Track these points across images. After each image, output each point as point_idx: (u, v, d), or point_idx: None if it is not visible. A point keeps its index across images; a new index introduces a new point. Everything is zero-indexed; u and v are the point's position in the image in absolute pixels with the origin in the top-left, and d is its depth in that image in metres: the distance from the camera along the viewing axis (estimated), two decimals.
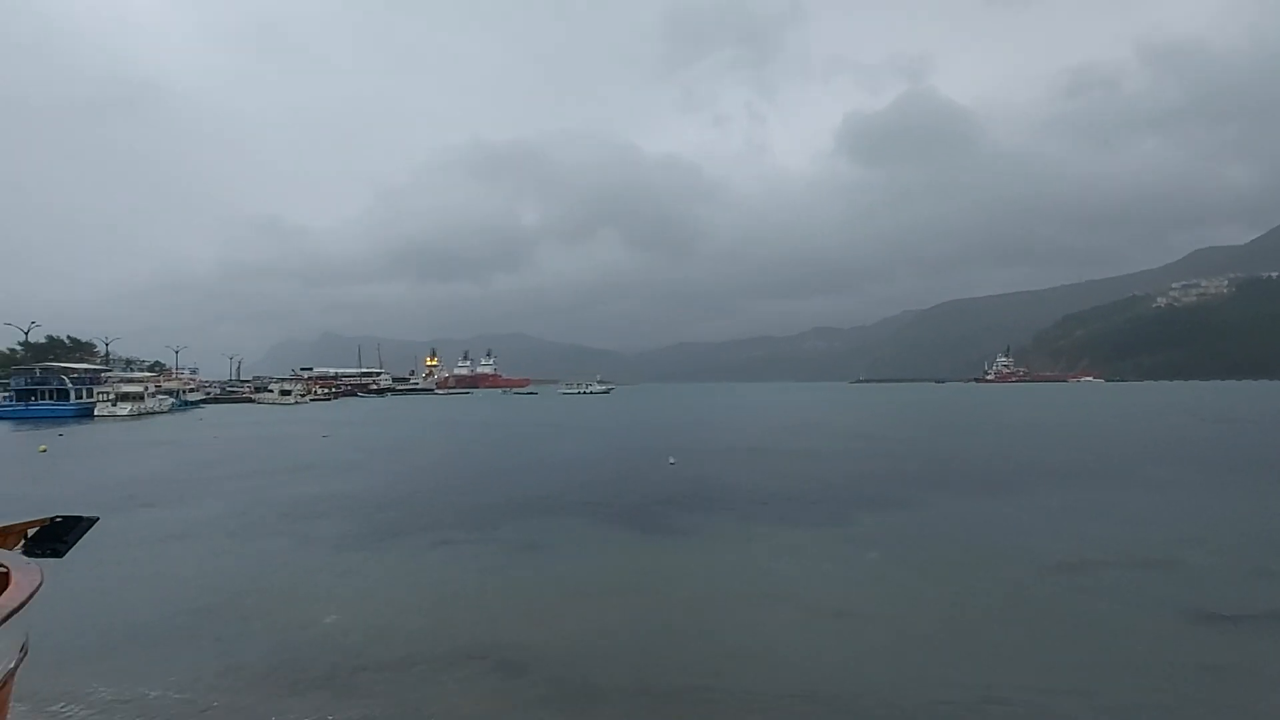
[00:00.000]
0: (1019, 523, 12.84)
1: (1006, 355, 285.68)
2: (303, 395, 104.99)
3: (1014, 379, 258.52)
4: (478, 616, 7.91)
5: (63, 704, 5.57)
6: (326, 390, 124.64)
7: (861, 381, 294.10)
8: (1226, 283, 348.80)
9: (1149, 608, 8.05)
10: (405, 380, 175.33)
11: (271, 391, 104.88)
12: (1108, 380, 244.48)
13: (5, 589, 2.84)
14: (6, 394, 66.75)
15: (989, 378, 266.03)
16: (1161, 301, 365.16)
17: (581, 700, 5.79)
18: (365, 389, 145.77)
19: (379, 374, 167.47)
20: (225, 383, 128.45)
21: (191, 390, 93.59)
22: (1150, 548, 10.89)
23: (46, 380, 65.11)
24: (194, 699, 5.83)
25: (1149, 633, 7.30)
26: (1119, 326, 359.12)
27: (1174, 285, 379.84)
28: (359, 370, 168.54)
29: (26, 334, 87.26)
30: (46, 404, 61.99)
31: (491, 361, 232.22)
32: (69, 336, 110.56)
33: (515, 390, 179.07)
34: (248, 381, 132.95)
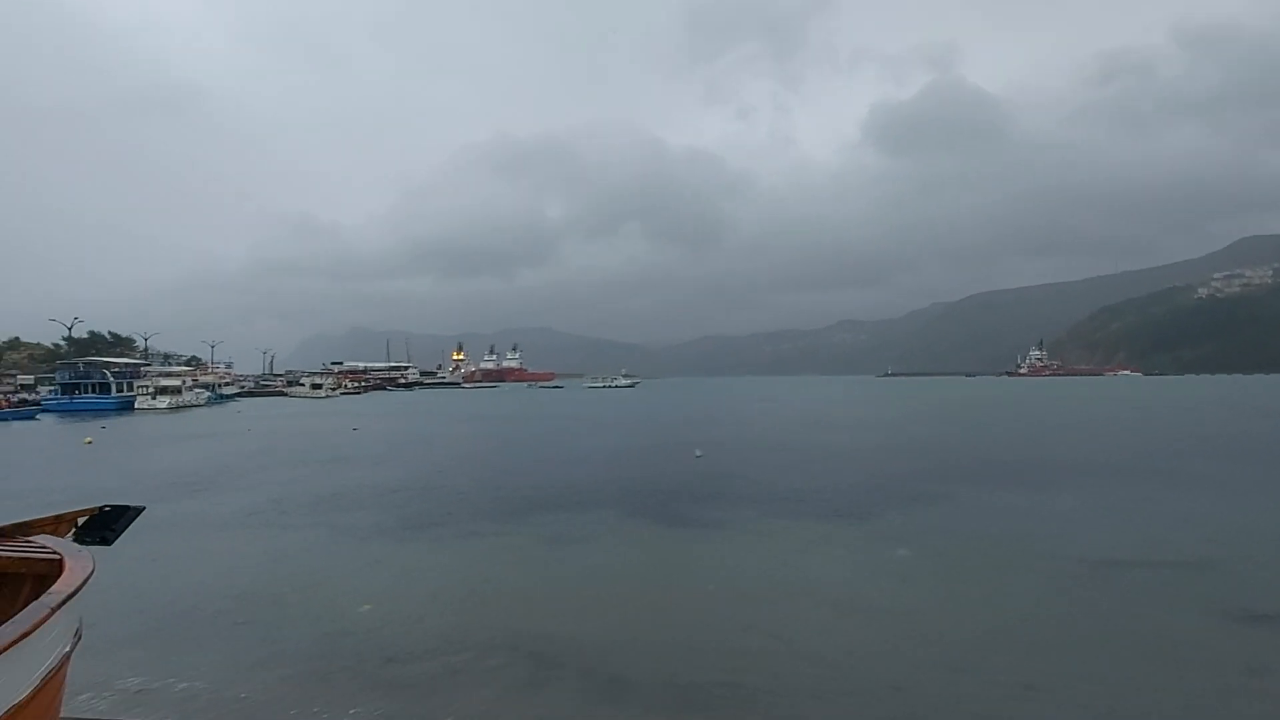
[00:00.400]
0: (1054, 519, 12.57)
1: (1039, 348, 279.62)
2: (333, 389, 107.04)
3: (1047, 372, 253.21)
4: (507, 608, 7.99)
5: (89, 695, 5.61)
6: (356, 384, 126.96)
7: (889, 375, 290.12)
8: (1272, 273, 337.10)
9: (1191, 606, 7.84)
10: (433, 374, 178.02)
11: (303, 385, 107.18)
12: (1145, 374, 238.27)
13: (60, 575, 2.94)
14: (52, 388, 69.11)
15: (1021, 371, 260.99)
16: (1203, 292, 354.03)
17: (611, 694, 5.81)
18: (394, 383, 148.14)
19: (407, 368, 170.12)
20: (259, 377, 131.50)
21: (226, 384, 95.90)
22: (1192, 545, 10.60)
23: (90, 374, 67.36)
24: (223, 689, 5.93)
25: (1191, 631, 7.11)
26: (1157, 319, 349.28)
27: (1216, 276, 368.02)
28: (388, 364, 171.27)
29: (70, 329, 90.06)
30: (90, 397, 64.05)
31: (517, 355, 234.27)
32: (109, 332, 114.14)
33: (541, 384, 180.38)
34: (280, 375, 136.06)
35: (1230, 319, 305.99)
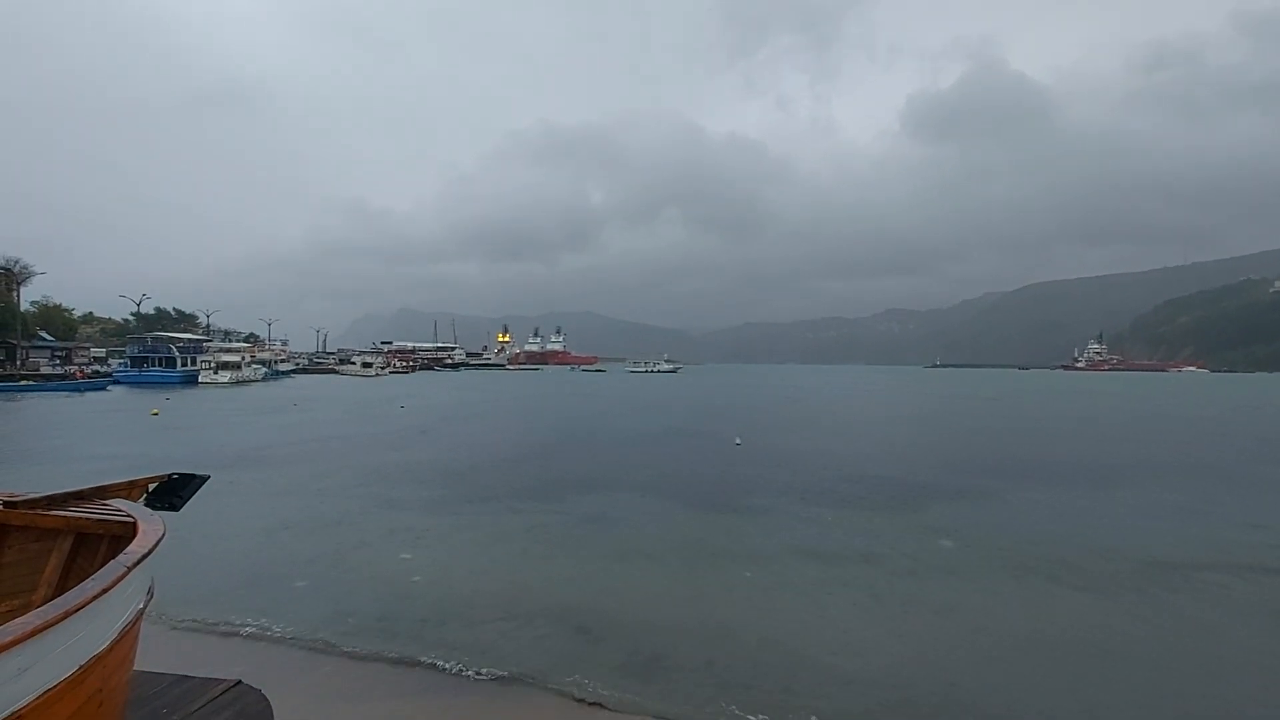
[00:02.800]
0: (1110, 519, 12.10)
1: (1099, 342, 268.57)
2: (383, 368, 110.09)
3: (1106, 367, 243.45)
4: (548, 585, 8.10)
5: (160, 649, 5.86)
6: (405, 363, 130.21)
7: (937, 366, 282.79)
8: None
9: (1258, 612, 7.47)
10: (478, 355, 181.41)
11: (354, 364, 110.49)
12: (1213, 370, 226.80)
13: (134, 537, 3.11)
14: (122, 360, 72.77)
15: (1079, 365, 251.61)
16: None
17: (652, 672, 5.90)
18: (440, 363, 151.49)
19: (454, 349, 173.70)
20: (312, 354, 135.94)
21: (282, 361, 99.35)
22: (1259, 551, 10.07)
23: (157, 349, 70.68)
24: (285, 650, 6.26)
25: (1257, 642, 6.79)
26: (1230, 313, 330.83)
27: None
28: (435, 345, 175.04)
29: (138, 305, 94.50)
30: (157, 370, 67.29)
31: (561, 339, 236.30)
32: (174, 308, 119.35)
33: (584, 367, 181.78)
34: (333, 354, 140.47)
35: None
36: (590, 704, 5.37)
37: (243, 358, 77.15)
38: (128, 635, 2.80)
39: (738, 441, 22.24)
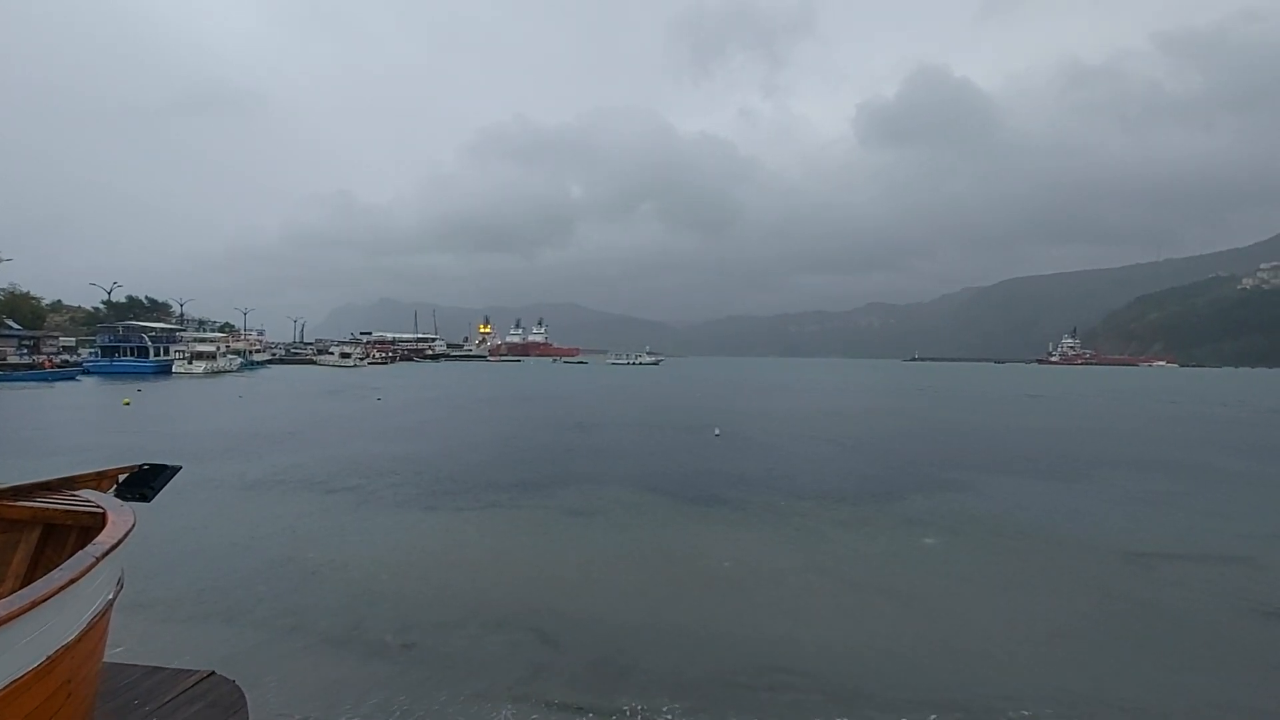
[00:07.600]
0: (1085, 511, 12.37)
1: (1073, 336, 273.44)
2: (361, 359, 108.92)
3: (1080, 361, 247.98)
4: (524, 584, 8.08)
5: (129, 641, 5.82)
6: (384, 354, 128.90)
7: (916, 360, 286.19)
8: None
9: (1223, 602, 7.71)
10: (459, 346, 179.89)
11: (332, 354, 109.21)
12: (1181, 365, 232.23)
13: (103, 528, 3.09)
14: (93, 350, 71.28)
15: (1053, 359, 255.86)
16: (1248, 283, 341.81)
17: (616, 681, 5.81)
18: (421, 354, 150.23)
19: (434, 340, 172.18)
20: (289, 345, 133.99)
21: (258, 351, 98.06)
22: (1227, 542, 10.37)
23: (129, 338, 69.32)
24: (255, 648, 6.22)
25: (1225, 625, 7.02)
26: (1198, 309, 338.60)
27: (1263, 266, 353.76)
28: (415, 336, 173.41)
29: (109, 293, 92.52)
30: (129, 360, 66.02)
31: (543, 330, 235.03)
32: (146, 297, 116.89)
33: (565, 359, 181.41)
34: (310, 344, 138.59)
35: (1278, 311, 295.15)
36: (560, 707, 5.33)
37: (218, 348, 75.99)
38: (97, 626, 2.79)
39: (717, 433, 22.39)
